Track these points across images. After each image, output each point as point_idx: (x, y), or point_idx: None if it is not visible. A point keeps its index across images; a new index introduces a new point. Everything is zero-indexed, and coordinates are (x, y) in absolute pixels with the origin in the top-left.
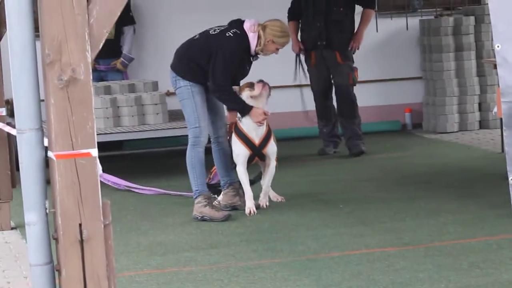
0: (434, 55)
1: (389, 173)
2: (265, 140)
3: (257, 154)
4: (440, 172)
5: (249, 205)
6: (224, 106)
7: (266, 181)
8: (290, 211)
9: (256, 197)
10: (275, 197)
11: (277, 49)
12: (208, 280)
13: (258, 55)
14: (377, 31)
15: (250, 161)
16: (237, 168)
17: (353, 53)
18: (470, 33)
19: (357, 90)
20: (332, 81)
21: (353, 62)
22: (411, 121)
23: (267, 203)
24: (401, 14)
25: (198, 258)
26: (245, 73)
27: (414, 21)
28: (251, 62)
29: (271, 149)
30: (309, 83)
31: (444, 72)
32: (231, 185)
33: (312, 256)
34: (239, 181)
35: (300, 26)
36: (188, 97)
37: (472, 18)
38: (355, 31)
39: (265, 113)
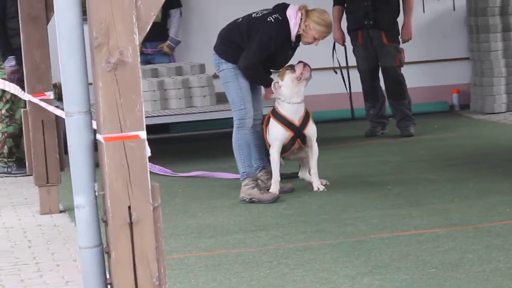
0: (481, 35)
1: (437, 154)
2: (305, 121)
3: (298, 135)
4: (488, 152)
5: (273, 189)
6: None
7: (313, 163)
8: (338, 193)
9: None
10: (318, 186)
11: (315, 39)
12: (257, 262)
13: (298, 44)
14: (423, 11)
15: (291, 145)
16: (271, 151)
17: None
18: None
19: (404, 71)
20: (379, 63)
21: (399, 43)
22: (458, 102)
23: (323, 183)
24: None
25: (247, 240)
26: (287, 59)
27: (461, 2)
28: (294, 48)
29: (311, 129)
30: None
31: (491, 52)
32: (264, 169)
33: (361, 237)
34: (257, 174)
35: (346, 6)
36: (232, 80)
37: None
38: (400, 11)
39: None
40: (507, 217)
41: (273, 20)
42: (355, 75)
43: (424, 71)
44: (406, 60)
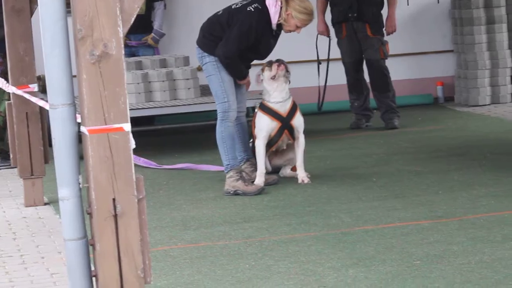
0: (466, 28)
1: (422, 147)
2: (292, 112)
3: (285, 126)
4: (473, 145)
5: (259, 181)
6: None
7: (299, 154)
8: (323, 185)
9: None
10: (303, 178)
11: (298, 27)
12: (242, 254)
13: (279, 32)
14: (408, 4)
15: (279, 136)
16: (257, 142)
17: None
18: (501, 6)
19: (389, 63)
20: (363, 55)
21: (383, 35)
22: (443, 94)
23: (308, 176)
24: None
25: (231, 232)
26: (270, 48)
27: None
28: (275, 37)
29: (299, 120)
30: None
31: (475, 45)
32: (248, 161)
33: (346, 229)
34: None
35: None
36: (215, 73)
37: None
38: (384, 4)
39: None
40: (491, 209)
41: (252, 10)
42: (339, 68)
43: (409, 63)
44: (390, 53)
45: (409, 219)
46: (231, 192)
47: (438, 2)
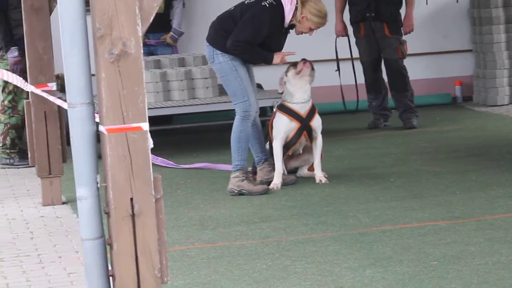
0: (484, 27)
1: (440, 147)
2: (311, 113)
3: (304, 127)
4: (491, 145)
5: (276, 181)
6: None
7: (317, 154)
8: (341, 185)
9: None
10: (320, 178)
11: (311, 30)
12: (259, 254)
13: (290, 30)
14: (426, 3)
15: (298, 138)
16: (274, 143)
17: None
18: None
19: (407, 63)
20: (381, 55)
21: (401, 35)
22: (461, 94)
23: (326, 175)
24: None
25: (248, 232)
26: (279, 46)
27: None
28: (285, 34)
29: (317, 122)
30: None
31: (494, 44)
32: (266, 161)
33: (363, 229)
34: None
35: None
36: (231, 72)
37: None
38: (403, 3)
39: (284, 55)
40: (509, 209)
41: (267, 5)
42: (357, 67)
43: (427, 63)
44: (409, 52)
45: (426, 219)
46: (236, 191)
47: (457, 2)
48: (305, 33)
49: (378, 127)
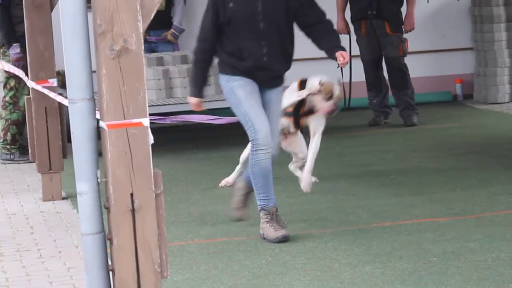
0: (485, 25)
1: (440, 144)
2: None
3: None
4: (491, 142)
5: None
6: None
7: (310, 158)
8: (341, 181)
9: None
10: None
11: None
12: (259, 249)
13: None
14: (427, 1)
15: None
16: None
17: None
18: None
19: (408, 60)
20: (382, 52)
21: (402, 33)
22: (462, 91)
23: (316, 180)
24: None
25: (248, 228)
26: (254, 10)
27: None
28: None
29: (316, 119)
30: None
31: (495, 42)
32: (264, 210)
33: (363, 226)
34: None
35: None
36: (229, 95)
37: None
38: (404, 1)
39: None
40: (509, 206)
41: None
42: (358, 65)
43: (428, 61)
44: (409, 50)
45: (426, 216)
46: (262, 235)
47: (458, 0)
48: None
49: (378, 124)
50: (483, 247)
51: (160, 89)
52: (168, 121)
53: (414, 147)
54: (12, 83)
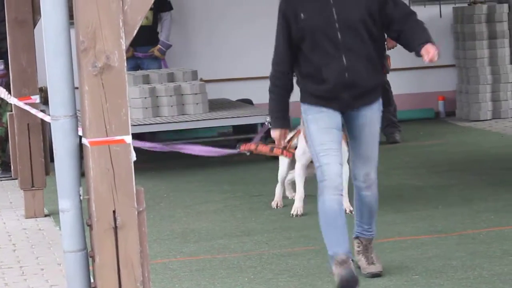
0: (468, 42)
1: (422, 161)
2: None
3: None
4: (473, 160)
5: (298, 205)
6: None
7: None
8: None
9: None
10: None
11: None
12: (241, 267)
13: None
14: None
15: None
16: (297, 165)
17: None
18: (503, 21)
19: (390, 77)
20: None
21: (385, 50)
22: (444, 109)
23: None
24: (434, 2)
25: (231, 245)
26: (328, 17)
27: (447, 9)
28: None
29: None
30: None
31: (477, 60)
32: (357, 239)
33: None
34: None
35: None
36: (306, 127)
37: (505, 5)
38: None
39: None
40: (491, 224)
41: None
42: None
43: (410, 77)
44: (392, 67)
45: (408, 233)
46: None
47: (441, 17)
48: None
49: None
50: (465, 264)
51: (146, 108)
52: (166, 149)
53: (396, 165)
54: None
